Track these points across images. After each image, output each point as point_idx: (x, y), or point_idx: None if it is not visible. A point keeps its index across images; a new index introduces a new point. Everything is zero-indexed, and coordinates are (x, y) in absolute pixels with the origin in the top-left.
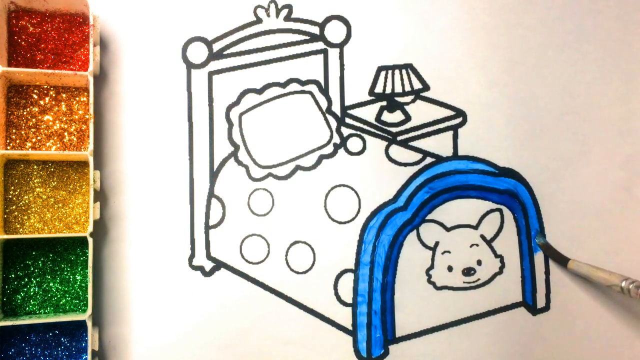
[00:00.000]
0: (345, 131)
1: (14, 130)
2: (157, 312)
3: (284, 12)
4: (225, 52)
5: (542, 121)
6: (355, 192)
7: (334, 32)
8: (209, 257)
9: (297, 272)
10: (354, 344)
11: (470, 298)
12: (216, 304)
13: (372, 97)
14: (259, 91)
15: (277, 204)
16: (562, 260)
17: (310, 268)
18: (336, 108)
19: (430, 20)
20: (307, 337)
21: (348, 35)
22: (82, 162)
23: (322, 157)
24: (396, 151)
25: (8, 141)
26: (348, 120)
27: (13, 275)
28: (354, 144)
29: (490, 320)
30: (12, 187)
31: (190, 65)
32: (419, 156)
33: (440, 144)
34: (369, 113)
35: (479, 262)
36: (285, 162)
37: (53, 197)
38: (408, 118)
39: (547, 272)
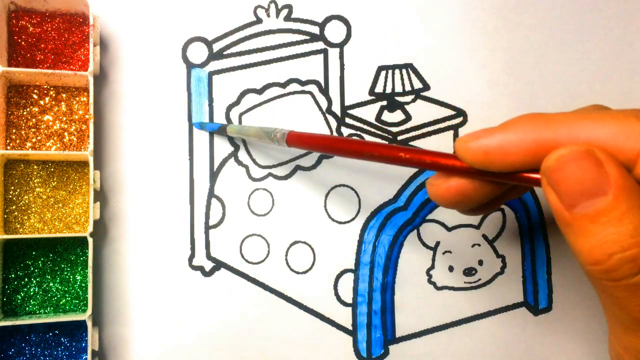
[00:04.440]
0: (346, 131)
1: (14, 130)
2: (157, 312)
3: (284, 12)
4: (225, 52)
5: None
6: (355, 192)
7: (334, 32)
8: (209, 257)
9: (297, 272)
10: (354, 344)
11: (471, 298)
12: (216, 304)
13: (372, 97)
14: (259, 91)
15: (277, 204)
16: None
17: (310, 268)
18: (336, 108)
19: (430, 20)
20: (307, 337)
21: (348, 35)
22: (82, 162)
23: (322, 157)
24: None
25: (8, 141)
26: (348, 120)
27: (13, 275)
28: None
29: (491, 320)
30: (12, 187)
31: (190, 65)
32: None
33: (441, 144)
34: (369, 113)
35: (481, 262)
36: (285, 162)
37: (53, 197)
38: (408, 118)
39: (549, 272)
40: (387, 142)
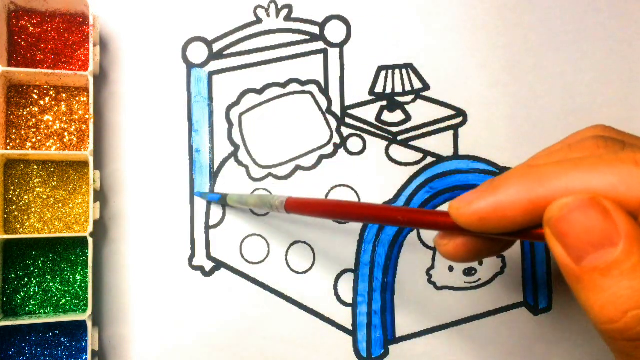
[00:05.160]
0: (345, 131)
1: (14, 130)
2: (157, 312)
3: (284, 12)
4: (225, 52)
5: (542, 121)
6: (356, 192)
7: (334, 32)
8: (209, 257)
9: (297, 272)
10: (354, 344)
11: (471, 298)
12: (216, 304)
13: (372, 97)
14: (259, 91)
15: None
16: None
17: (310, 268)
18: (336, 108)
19: (430, 20)
20: (307, 337)
21: (348, 35)
22: (82, 162)
23: (322, 157)
24: (396, 151)
25: (8, 141)
26: (348, 120)
27: (13, 275)
28: (354, 143)
29: (491, 320)
30: (12, 187)
31: (190, 65)
32: (419, 156)
33: (441, 144)
34: (369, 113)
35: (481, 262)
36: (285, 162)
37: (53, 197)
38: (408, 118)
39: (548, 273)
40: (386, 142)
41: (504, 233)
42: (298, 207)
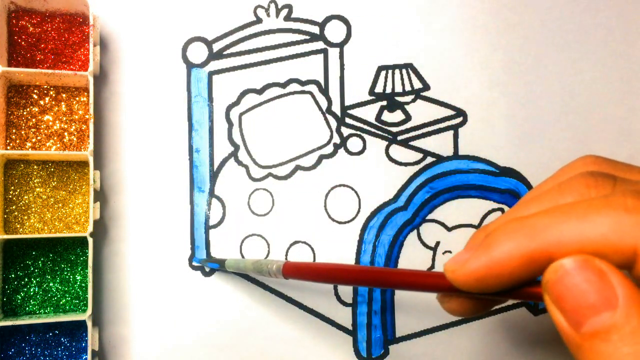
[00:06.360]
0: (345, 131)
1: (14, 130)
2: (157, 312)
3: (284, 12)
4: (225, 52)
5: (542, 121)
6: (355, 192)
7: (334, 31)
8: (209, 257)
9: None
10: (354, 344)
11: None
12: (216, 304)
13: (372, 97)
14: (259, 91)
15: (277, 204)
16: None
17: None
18: (336, 108)
19: (430, 20)
20: (307, 337)
21: (348, 35)
22: (82, 162)
23: (322, 157)
24: (396, 151)
25: (8, 141)
26: (348, 120)
27: (13, 275)
28: (354, 143)
29: (491, 320)
30: (12, 187)
31: (190, 65)
32: (419, 156)
33: (441, 144)
34: (369, 113)
35: None
36: (285, 162)
37: (53, 197)
38: (408, 118)
39: None
40: (386, 142)
41: (504, 291)
42: (295, 271)
